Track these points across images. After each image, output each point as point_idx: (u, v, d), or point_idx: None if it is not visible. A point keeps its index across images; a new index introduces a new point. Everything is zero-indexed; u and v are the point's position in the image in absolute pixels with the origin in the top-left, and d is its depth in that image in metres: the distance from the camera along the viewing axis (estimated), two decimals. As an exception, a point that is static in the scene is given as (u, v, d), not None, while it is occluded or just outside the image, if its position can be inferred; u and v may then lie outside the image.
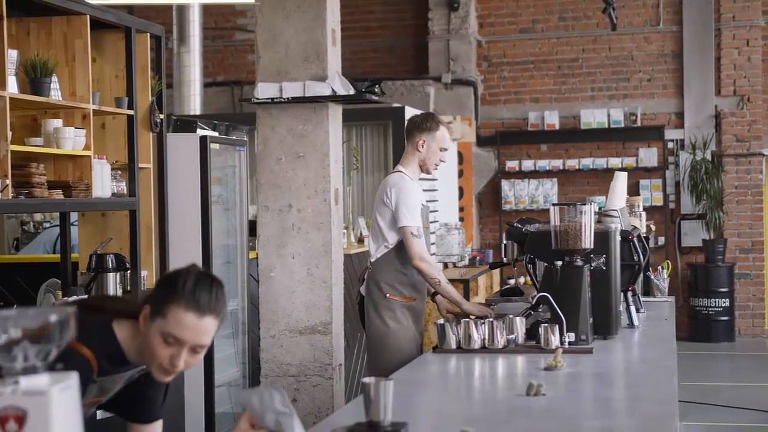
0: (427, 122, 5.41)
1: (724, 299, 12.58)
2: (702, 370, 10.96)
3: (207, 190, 6.48)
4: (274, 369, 5.95)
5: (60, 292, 5.64)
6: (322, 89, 5.78)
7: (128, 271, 5.80)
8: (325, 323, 5.89)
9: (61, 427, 1.79)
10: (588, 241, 4.58)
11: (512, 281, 10.95)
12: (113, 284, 5.63)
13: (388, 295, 5.37)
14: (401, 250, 5.29)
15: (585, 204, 4.62)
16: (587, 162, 13.12)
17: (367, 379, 2.82)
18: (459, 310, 5.47)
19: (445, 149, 5.44)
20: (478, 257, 11.22)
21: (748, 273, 12.95)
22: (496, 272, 11.34)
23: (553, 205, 4.66)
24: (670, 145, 13.11)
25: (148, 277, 6.05)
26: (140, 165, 5.94)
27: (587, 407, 3.42)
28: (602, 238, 4.73)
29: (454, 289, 5.34)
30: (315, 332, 5.90)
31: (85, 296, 5.24)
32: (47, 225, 8.62)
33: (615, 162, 12.95)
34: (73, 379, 1.84)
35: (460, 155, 12.66)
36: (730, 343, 12.58)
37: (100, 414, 4.86)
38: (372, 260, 5.46)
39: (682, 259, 13.07)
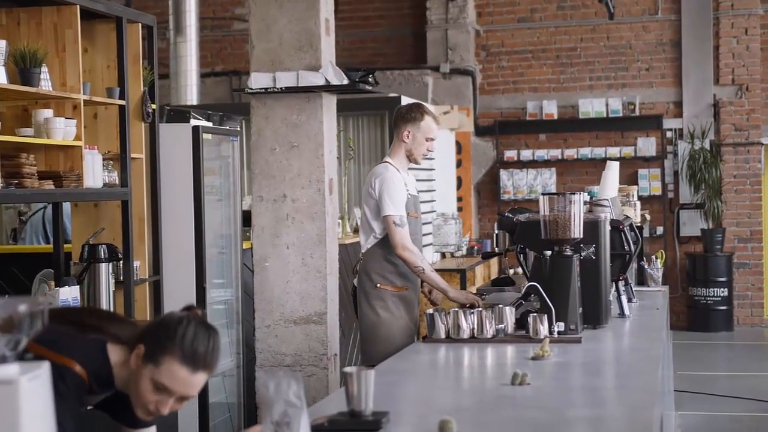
0: (411, 113, 5.42)
1: (722, 289, 12.57)
2: (700, 359, 10.96)
3: (200, 180, 6.47)
4: (269, 359, 5.96)
5: (53, 282, 5.64)
6: (315, 79, 5.77)
7: (121, 261, 5.80)
8: (319, 313, 5.89)
9: (30, 417, 1.79)
10: (577, 231, 4.57)
11: (511, 271, 10.95)
12: (105, 274, 5.63)
13: (378, 285, 5.39)
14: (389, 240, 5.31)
15: (574, 194, 4.61)
16: (586, 151, 13.11)
17: (348, 369, 2.84)
18: (430, 297, 5.54)
19: (432, 139, 5.44)
20: (476, 247, 11.22)
21: (746, 262, 12.94)
22: (494, 262, 11.34)
23: (543, 194, 4.66)
24: (669, 134, 13.09)
25: (141, 267, 6.05)
26: (132, 155, 5.93)
27: (571, 396, 3.42)
28: (592, 227, 4.73)
29: (440, 277, 5.35)
30: (310, 322, 5.91)
31: (79, 306, 5.20)
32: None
33: (613, 151, 12.93)
34: (43, 369, 1.85)
35: (458, 145, 12.66)
36: (729, 332, 12.58)
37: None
38: (362, 251, 5.48)
39: (680, 249, 13.07)
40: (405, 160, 5.44)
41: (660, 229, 12.90)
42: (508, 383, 3.45)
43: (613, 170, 5.92)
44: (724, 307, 12.61)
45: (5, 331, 1.83)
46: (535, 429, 2.97)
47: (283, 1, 5.87)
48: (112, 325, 2.89)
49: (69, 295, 5.37)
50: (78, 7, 5.41)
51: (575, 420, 3.09)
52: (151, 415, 2.80)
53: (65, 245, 5.94)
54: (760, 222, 12.98)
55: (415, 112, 5.42)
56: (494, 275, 11.10)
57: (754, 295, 12.97)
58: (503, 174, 13.30)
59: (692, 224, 12.94)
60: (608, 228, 4.91)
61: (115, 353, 2.80)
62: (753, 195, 12.95)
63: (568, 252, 4.59)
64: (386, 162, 5.43)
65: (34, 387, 1.81)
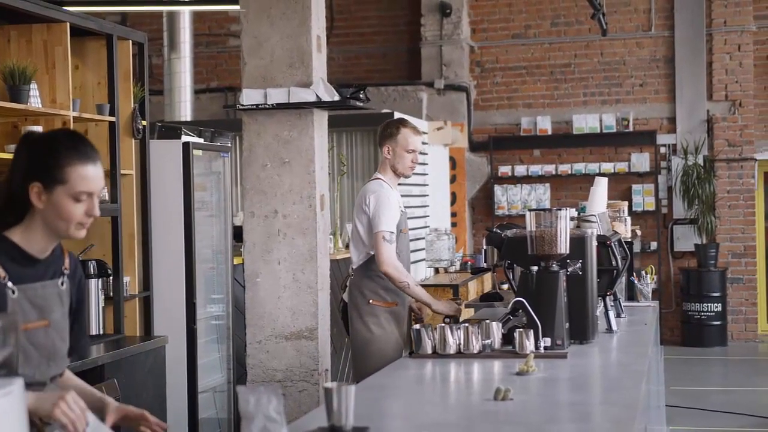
0: (388, 128, 5.50)
1: (716, 304, 12.58)
2: (693, 374, 10.96)
3: (190, 196, 6.49)
4: (260, 374, 5.96)
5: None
6: (306, 95, 5.78)
7: (110, 277, 5.81)
8: (310, 329, 5.89)
9: (2, 433, 1.80)
10: (564, 247, 4.58)
11: (505, 287, 10.95)
12: (95, 290, 5.64)
13: (371, 300, 5.41)
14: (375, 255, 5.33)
15: (561, 209, 4.63)
16: (580, 167, 13.14)
17: (328, 384, 2.85)
18: (419, 315, 5.57)
19: (413, 150, 5.48)
20: (469, 262, 11.22)
21: (740, 278, 12.96)
22: (488, 277, 11.34)
23: (530, 210, 4.67)
24: (663, 149, 13.12)
25: (131, 283, 6.06)
26: (122, 171, 5.95)
27: (552, 411, 3.43)
28: (578, 243, 4.74)
29: (424, 291, 5.38)
30: (301, 338, 5.91)
31: None
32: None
33: (607, 167, 12.96)
34: (16, 385, 1.86)
35: (452, 160, 12.69)
36: (723, 347, 12.58)
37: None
38: (354, 267, 5.50)
39: (674, 264, 13.08)
40: (394, 176, 5.49)
41: (654, 245, 12.92)
42: (491, 398, 3.46)
43: (601, 186, 5.94)
44: (717, 322, 12.62)
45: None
46: (516, 444, 2.98)
47: (274, 19, 5.88)
48: None
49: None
50: (68, 24, 5.44)
51: (556, 435, 3.10)
52: (83, 227, 2.89)
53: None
54: (753, 237, 13.00)
55: (392, 128, 5.49)
56: (488, 290, 11.11)
57: (747, 310, 12.98)
58: (497, 189, 13.32)
59: (686, 239, 12.96)
60: (595, 243, 4.92)
61: (13, 233, 2.88)
62: (746, 210, 12.98)
63: (555, 267, 4.60)
64: (379, 179, 5.47)
65: (6, 404, 1.82)
